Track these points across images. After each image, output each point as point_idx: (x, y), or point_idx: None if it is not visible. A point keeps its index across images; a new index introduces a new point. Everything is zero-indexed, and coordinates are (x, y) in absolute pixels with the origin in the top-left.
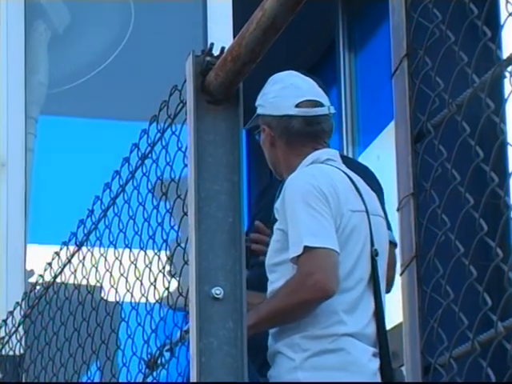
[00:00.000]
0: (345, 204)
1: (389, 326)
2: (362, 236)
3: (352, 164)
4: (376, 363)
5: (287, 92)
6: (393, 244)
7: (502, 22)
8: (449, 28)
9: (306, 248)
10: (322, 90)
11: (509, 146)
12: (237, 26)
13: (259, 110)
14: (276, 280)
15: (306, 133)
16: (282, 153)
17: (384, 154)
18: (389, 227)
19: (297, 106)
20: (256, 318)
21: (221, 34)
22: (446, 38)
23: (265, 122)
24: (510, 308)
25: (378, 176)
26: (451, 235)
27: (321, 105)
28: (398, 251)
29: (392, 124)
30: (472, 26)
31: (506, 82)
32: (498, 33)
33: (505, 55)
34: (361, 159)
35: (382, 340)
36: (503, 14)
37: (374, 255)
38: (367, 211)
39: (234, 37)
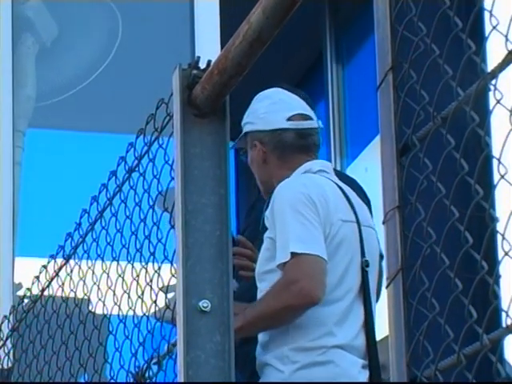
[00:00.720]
0: (335, 213)
1: (378, 337)
2: (351, 246)
3: (340, 176)
4: (365, 375)
5: (277, 107)
6: (380, 256)
7: (486, 35)
8: (433, 41)
9: (293, 254)
10: (308, 104)
11: (493, 159)
12: (224, 40)
13: (248, 128)
14: (265, 288)
15: (298, 146)
16: (274, 168)
17: (372, 166)
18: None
19: (288, 119)
20: (242, 321)
21: (208, 47)
22: (430, 51)
23: (255, 138)
24: (495, 321)
25: (366, 188)
26: (437, 248)
27: (310, 118)
28: (384, 263)
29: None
30: (456, 39)
31: (491, 94)
32: (483, 46)
33: (489, 68)
34: (349, 171)
35: (372, 352)
36: (487, 27)
37: (365, 266)
38: (358, 222)
39: (222, 48)
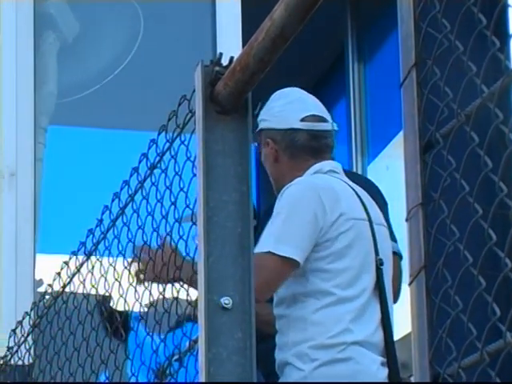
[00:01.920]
0: (347, 212)
1: (398, 335)
2: (365, 244)
3: (357, 179)
4: (384, 372)
5: (292, 106)
6: (397, 255)
7: (510, 32)
8: (457, 38)
9: (267, 251)
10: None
11: None
12: (245, 36)
13: (262, 125)
14: (279, 290)
15: (310, 147)
16: (285, 167)
17: (393, 164)
18: (393, 239)
19: (302, 120)
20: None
21: (230, 44)
22: (454, 48)
23: (269, 136)
24: None
25: (387, 186)
26: (460, 245)
27: (325, 120)
28: (405, 261)
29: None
30: (481, 36)
31: None
32: (507, 43)
33: None
34: (370, 169)
35: (390, 349)
36: None
37: (379, 264)
38: (370, 220)
39: (243, 47)
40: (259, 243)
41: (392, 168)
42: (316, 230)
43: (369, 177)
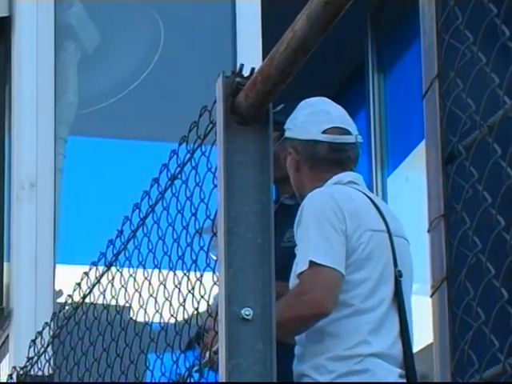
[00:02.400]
0: (365, 223)
1: (418, 347)
2: (383, 256)
3: None
4: None
5: (316, 118)
6: None
7: None
8: (480, 49)
9: (311, 264)
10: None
11: None
12: (265, 47)
13: (287, 134)
14: None
15: (330, 159)
16: (306, 177)
17: (413, 176)
18: None
19: (324, 132)
20: None
21: (250, 54)
22: (477, 60)
23: (291, 145)
24: None
25: (407, 197)
26: (482, 257)
27: (348, 133)
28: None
29: (421, 145)
30: (503, 48)
31: None
32: None
33: None
34: (389, 180)
35: (409, 361)
36: None
37: (398, 276)
38: (389, 232)
39: (263, 57)
40: (300, 262)
41: (412, 179)
42: (343, 240)
43: (388, 188)
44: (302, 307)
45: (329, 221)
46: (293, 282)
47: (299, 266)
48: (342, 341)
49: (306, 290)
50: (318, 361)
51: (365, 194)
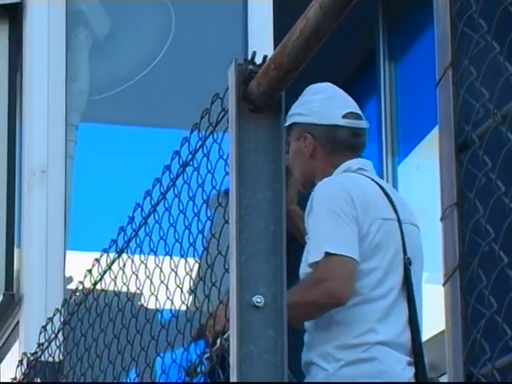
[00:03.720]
0: (374, 212)
1: (428, 335)
2: (393, 244)
3: None
4: (411, 372)
5: (333, 102)
6: None
7: None
8: (494, 38)
9: (326, 254)
10: None
11: None
12: (277, 34)
13: (297, 119)
14: None
15: (349, 144)
16: (320, 163)
17: (424, 164)
18: None
19: (343, 116)
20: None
21: (261, 42)
22: (491, 48)
23: (306, 130)
24: None
25: (418, 185)
26: (495, 245)
27: (361, 118)
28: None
29: (432, 133)
30: None
31: None
32: None
33: None
34: (400, 169)
35: (417, 349)
36: None
37: (407, 264)
38: (399, 220)
39: (275, 45)
40: (313, 250)
41: (422, 167)
42: (355, 228)
43: (399, 176)
44: (318, 295)
45: (341, 209)
46: (304, 269)
47: (312, 254)
48: (350, 329)
49: (323, 278)
50: (326, 349)
51: (374, 181)
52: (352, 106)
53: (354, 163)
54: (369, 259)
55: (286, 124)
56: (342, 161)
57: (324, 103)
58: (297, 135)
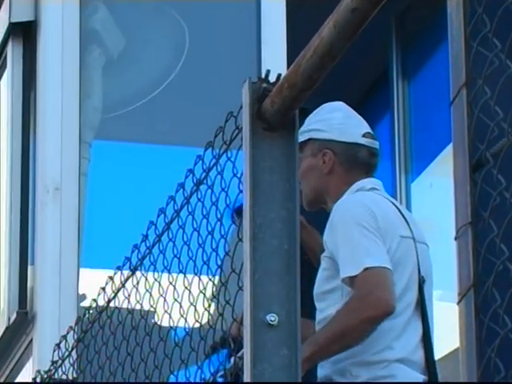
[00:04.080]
0: (394, 229)
1: (440, 354)
2: (410, 262)
3: None
4: None
5: (352, 121)
6: None
7: None
8: (508, 57)
9: (366, 267)
10: None
11: None
12: (290, 53)
13: (316, 135)
14: (325, 308)
15: (367, 164)
16: (336, 180)
17: (437, 182)
18: None
19: (363, 135)
20: (313, 347)
21: (275, 60)
22: (505, 67)
23: (326, 146)
24: None
25: (431, 203)
26: (509, 264)
27: (376, 138)
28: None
29: (445, 151)
30: None
31: None
32: None
33: None
34: (413, 186)
35: (431, 367)
36: None
37: (421, 282)
38: (414, 238)
39: (288, 63)
40: (348, 264)
41: (436, 185)
42: (382, 241)
43: (412, 194)
44: (367, 309)
45: (367, 223)
46: (320, 288)
47: (346, 268)
48: (368, 346)
49: (368, 291)
50: (344, 365)
51: (389, 200)
52: (367, 126)
53: (367, 183)
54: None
55: (302, 139)
56: (356, 180)
57: (344, 121)
58: (313, 151)
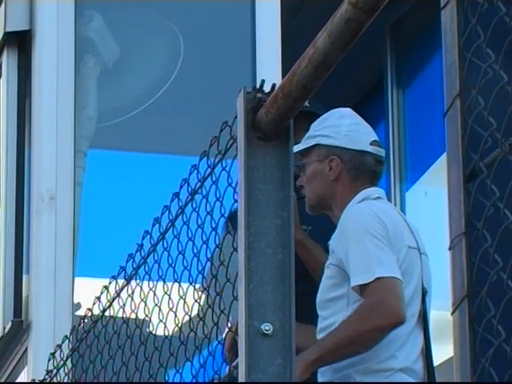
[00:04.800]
0: (402, 239)
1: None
2: (416, 273)
3: None
4: None
5: (361, 128)
6: None
7: None
8: (502, 68)
9: (378, 276)
10: None
11: None
12: (285, 63)
13: (325, 141)
14: (329, 316)
15: (373, 171)
16: (342, 187)
17: (431, 191)
18: None
19: (371, 143)
20: (319, 350)
21: (269, 70)
22: (499, 78)
23: (333, 153)
24: None
25: (426, 212)
26: (503, 275)
27: (383, 147)
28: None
29: (440, 160)
30: None
31: None
32: None
33: None
34: (408, 195)
35: (431, 377)
36: None
37: (424, 293)
38: (418, 249)
39: (283, 73)
40: (359, 273)
41: (430, 194)
42: (392, 251)
43: (407, 203)
44: (378, 317)
45: (378, 232)
46: (324, 295)
47: (357, 277)
48: (373, 354)
49: (379, 300)
50: (348, 373)
51: (395, 209)
52: (375, 134)
53: (372, 192)
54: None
55: (309, 145)
56: (362, 188)
57: (353, 128)
58: (320, 157)
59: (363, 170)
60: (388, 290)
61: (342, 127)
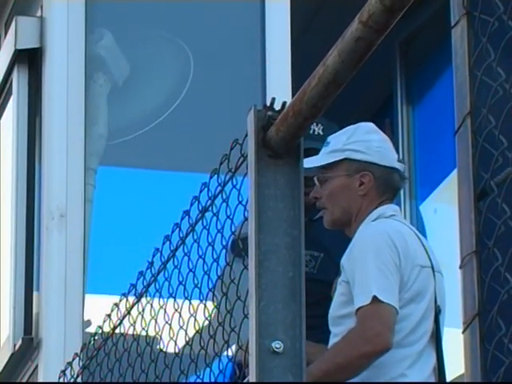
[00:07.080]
0: (414, 259)
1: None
2: (428, 292)
3: None
4: None
5: (388, 145)
6: None
7: None
8: None
9: (374, 299)
10: None
11: None
12: (295, 81)
13: (356, 155)
14: (340, 333)
15: (397, 188)
16: (369, 203)
17: (441, 208)
18: None
19: (398, 160)
20: (311, 379)
21: (279, 88)
22: (509, 97)
23: (366, 168)
24: None
25: (436, 229)
26: None
27: (404, 163)
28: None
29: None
30: None
31: None
32: None
33: None
34: (418, 212)
35: None
36: None
37: (438, 312)
38: (432, 267)
39: (293, 91)
40: (359, 295)
41: (440, 211)
42: (398, 276)
43: (417, 220)
44: (365, 344)
45: (386, 257)
46: (336, 312)
47: (360, 300)
48: (383, 371)
49: (367, 326)
50: None
51: (408, 227)
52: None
53: (388, 209)
54: (406, 305)
55: (338, 158)
56: (384, 204)
57: (382, 144)
58: (349, 171)
59: (389, 187)
60: (378, 316)
61: (372, 143)
